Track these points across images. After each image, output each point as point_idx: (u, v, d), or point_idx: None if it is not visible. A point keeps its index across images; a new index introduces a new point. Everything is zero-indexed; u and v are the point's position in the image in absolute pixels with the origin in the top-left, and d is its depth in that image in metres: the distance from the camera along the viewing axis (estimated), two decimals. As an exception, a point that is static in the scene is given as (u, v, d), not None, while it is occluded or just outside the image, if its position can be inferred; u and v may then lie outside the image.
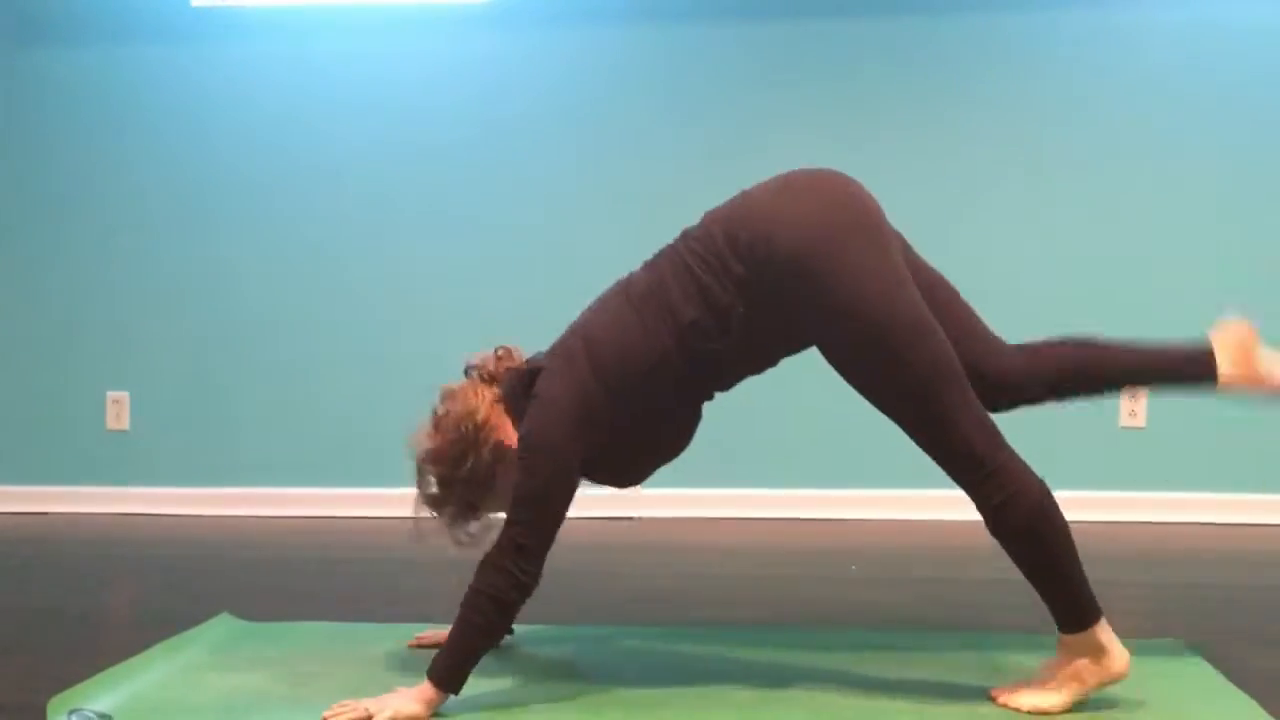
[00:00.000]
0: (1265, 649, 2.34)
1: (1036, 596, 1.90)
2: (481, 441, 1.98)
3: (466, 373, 2.07)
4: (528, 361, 2.02)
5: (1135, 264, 3.91)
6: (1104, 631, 1.86)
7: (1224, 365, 2.07)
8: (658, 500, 3.92)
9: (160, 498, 4.09)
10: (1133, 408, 3.91)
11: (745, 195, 1.99)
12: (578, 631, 2.39)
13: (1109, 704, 1.89)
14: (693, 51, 4.02)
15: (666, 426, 2.02)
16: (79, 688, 1.95)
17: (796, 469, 3.93)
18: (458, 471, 1.98)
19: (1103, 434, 3.90)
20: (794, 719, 1.86)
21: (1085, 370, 2.13)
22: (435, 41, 4.07)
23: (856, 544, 3.48)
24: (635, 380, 1.91)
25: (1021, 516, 1.86)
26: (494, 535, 1.94)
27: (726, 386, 2.03)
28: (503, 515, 1.98)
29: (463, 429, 1.98)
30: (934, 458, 1.90)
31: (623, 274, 2.03)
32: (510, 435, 1.98)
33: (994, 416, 1.94)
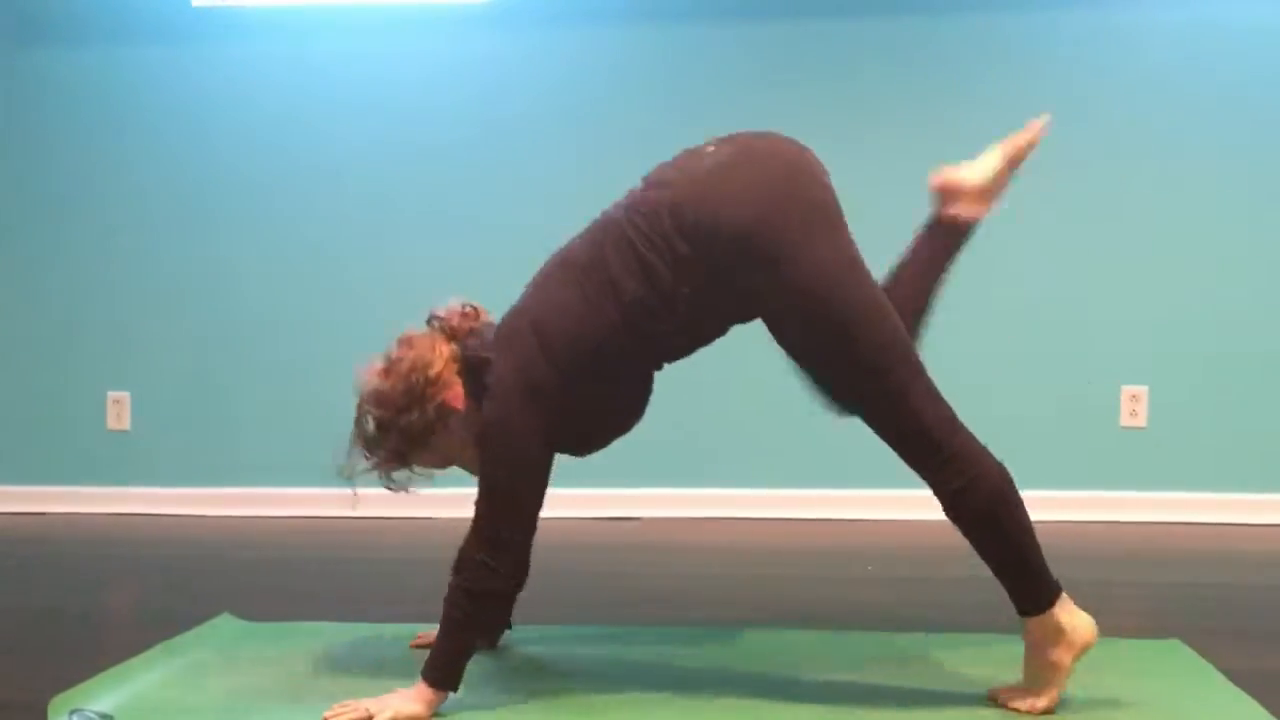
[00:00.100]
0: (1266, 649, 2.34)
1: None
2: (429, 397, 1.96)
3: (429, 321, 2.04)
4: (479, 348, 1.97)
5: (1135, 264, 3.91)
6: (1064, 610, 1.85)
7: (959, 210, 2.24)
8: (659, 500, 3.92)
9: (161, 498, 4.08)
10: (1134, 408, 3.91)
11: (693, 165, 1.93)
12: (579, 631, 2.39)
13: (1109, 704, 1.89)
14: (693, 51, 4.02)
15: (619, 400, 2.00)
16: (80, 688, 1.95)
17: (797, 469, 3.93)
18: (398, 419, 1.97)
19: (1103, 434, 3.90)
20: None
21: (921, 287, 2.21)
22: (435, 41, 4.07)
23: (857, 544, 3.48)
24: (584, 359, 1.88)
25: (981, 500, 1.85)
26: (424, 484, 1.95)
27: (676, 358, 2.00)
28: (434, 470, 1.98)
29: (413, 379, 1.96)
30: (888, 441, 1.88)
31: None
32: (458, 397, 1.96)
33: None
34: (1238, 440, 3.87)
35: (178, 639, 2.28)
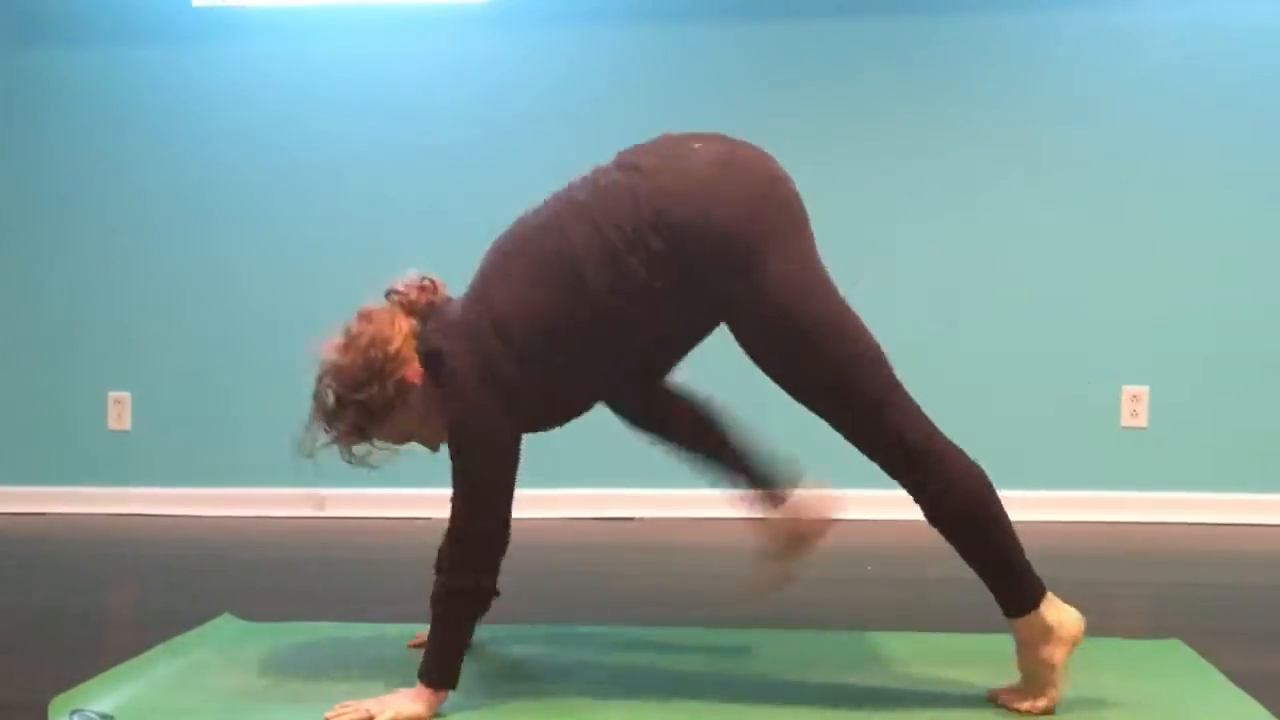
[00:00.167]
0: (1266, 649, 2.34)
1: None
2: (388, 373, 1.95)
3: (387, 295, 2.03)
4: (437, 335, 1.96)
5: (1135, 264, 3.91)
6: (1050, 608, 1.85)
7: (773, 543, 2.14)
8: (658, 500, 3.92)
9: (161, 498, 4.09)
10: (1134, 408, 3.91)
11: (680, 160, 1.90)
12: (578, 631, 2.39)
13: (1110, 704, 1.89)
14: (693, 51, 4.02)
15: (583, 384, 1.98)
16: (81, 688, 1.95)
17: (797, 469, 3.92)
18: (356, 394, 1.96)
19: (1104, 434, 3.90)
20: None
21: (695, 434, 2.14)
22: (435, 42, 4.07)
23: (857, 544, 3.48)
24: (544, 348, 1.88)
25: (960, 503, 1.85)
26: (381, 458, 1.96)
27: (639, 354, 1.98)
28: (392, 446, 1.98)
29: (372, 354, 1.95)
30: (863, 451, 1.88)
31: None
32: (416, 374, 1.95)
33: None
34: (1238, 440, 3.87)
35: (178, 639, 2.28)
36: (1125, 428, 3.91)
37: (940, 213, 3.94)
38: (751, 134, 4.34)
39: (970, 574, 1.90)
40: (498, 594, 2.18)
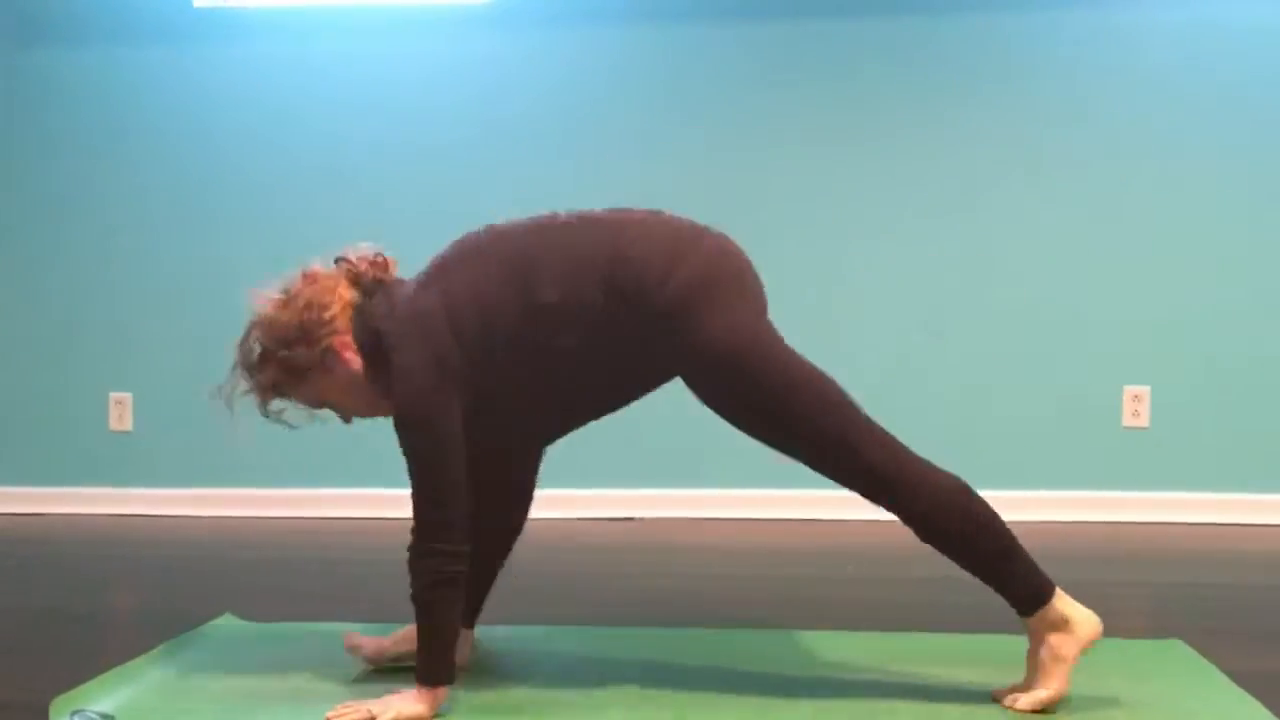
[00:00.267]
0: (1267, 649, 2.34)
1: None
2: (318, 338, 1.95)
3: (337, 261, 2.04)
4: (382, 314, 1.96)
5: (1136, 264, 3.91)
6: (1062, 602, 1.85)
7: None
8: (658, 501, 3.93)
9: (163, 499, 4.09)
10: (1136, 408, 3.91)
11: (660, 226, 1.97)
12: (578, 632, 2.39)
13: (1110, 704, 1.89)
14: (693, 52, 4.02)
15: (519, 397, 1.97)
16: (82, 688, 1.95)
17: (797, 470, 3.92)
18: (281, 351, 1.97)
19: (1106, 434, 3.90)
20: None
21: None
22: (436, 42, 4.07)
23: (858, 544, 3.48)
24: (490, 346, 1.89)
25: (947, 520, 1.86)
26: (298, 418, 2.00)
27: (573, 389, 1.98)
28: (311, 409, 2.00)
29: (306, 317, 1.96)
30: (841, 484, 1.90)
31: None
32: (346, 345, 1.96)
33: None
34: (1240, 440, 3.87)
35: (179, 639, 2.28)
36: (1126, 428, 3.91)
37: (941, 213, 3.94)
38: (751, 134, 4.38)
39: (966, 574, 1.90)
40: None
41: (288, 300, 1.99)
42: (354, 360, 1.97)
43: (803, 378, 1.88)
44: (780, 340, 1.91)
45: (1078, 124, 3.92)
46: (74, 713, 1.84)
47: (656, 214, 2.01)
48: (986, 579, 1.88)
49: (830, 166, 3.99)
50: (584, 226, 1.96)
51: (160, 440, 4.12)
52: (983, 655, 2.17)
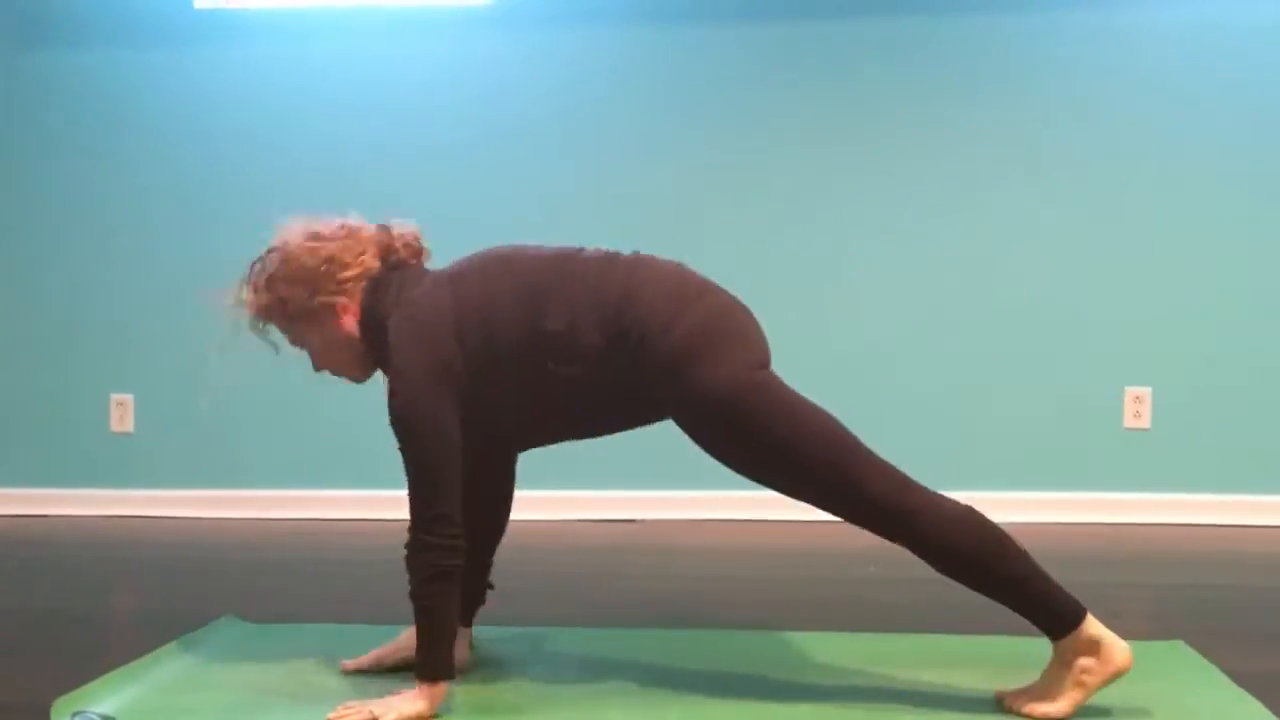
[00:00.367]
0: (1269, 650, 2.34)
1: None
2: (325, 292, 1.99)
3: (379, 226, 2.07)
4: (391, 300, 1.97)
5: (1137, 264, 3.91)
6: (1094, 626, 1.83)
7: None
8: (662, 502, 3.92)
9: (164, 500, 4.09)
10: (1137, 409, 3.91)
11: (679, 279, 1.96)
12: (579, 633, 2.39)
13: (1113, 704, 1.89)
14: (693, 52, 4.02)
15: (513, 411, 1.98)
16: (83, 690, 1.95)
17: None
18: (285, 285, 2.01)
19: (1107, 435, 3.90)
20: (797, 720, 1.86)
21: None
22: (436, 43, 4.07)
23: (861, 545, 3.47)
24: (490, 358, 1.90)
25: (959, 546, 1.84)
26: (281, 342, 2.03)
27: (570, 417, 1.99)
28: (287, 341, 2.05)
29: (324, 269, 2.00)
30: (850, 522, 1.90)
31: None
32: (346, 309, 1.99)
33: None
34: (1241, 442, 3.87)
35: (181, 640, 2.28)
36: (1128, 429, 3.91)
37: (941, 213, 3.94)
38: (751, 134, 4.38)
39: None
40: (491, 587, 2.19)
41: (316, 245, 2.03)
42: (349, 326, 2.01)
43: (803, 417, 1.87)
44: (780, 383, 1.90)
45: (1078, 124, 3.92)
46: (75, 714, 1.84)
47: (677, 265, 2.00)
48: (1011, 604, 1.85)
49: (830, 167, 3.99)
50: (602, 266, 1.96)
51: (161, 442, 4.12)
52: (984, 656, 2.17)
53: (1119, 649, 1.83)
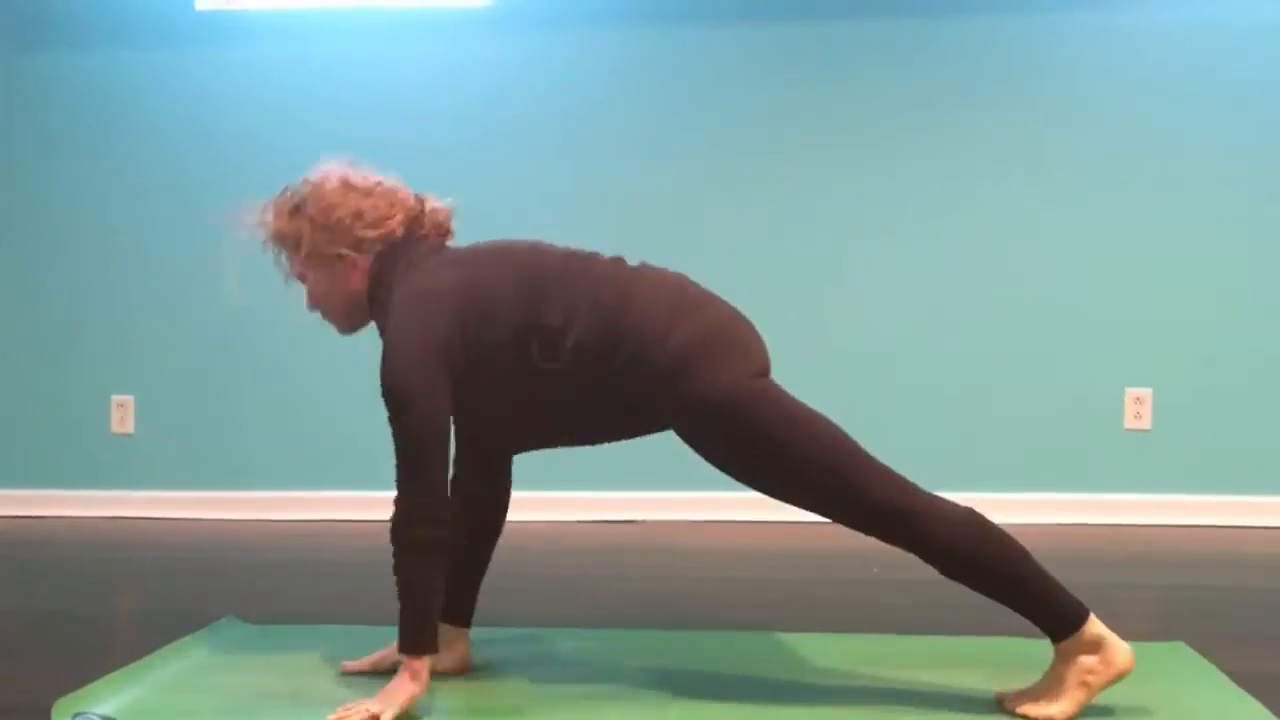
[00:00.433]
0: (1270, 651, 2.34)
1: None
2: (340, 243, 2.01)
3: (418, 196, 2.11)
4: (403, 269, 1.98)
5: (1137, 265, 3.91)
6: (1097, 627, 1.83)
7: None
8: (662, 503, 3.92)
9: (165, 501, 4.09)
10: (1138, 410, 3.91)
11: (666, 285, 1.96)
12: (579, 634, 2.39)
13: (1112, 706, 1.89)
14: (693, 54, 4.02)
15: (498, 405, 1.97)
16: (84, 691, 1.95)
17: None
18: (307, 224, 2.03)
19: (1108, 436, 3.90)
20: (798, 721, 1.86)
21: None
22: (436, 44, 4.07)
23: (861, 547, 3.47)
24: (484, 342, 1.90)
25: (963, 548, 1.83)
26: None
27: (555, 415, 1.98)
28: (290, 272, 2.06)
29: (350, 222, 2.01)
30: (854, 528, 1.90)
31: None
32: (357, 268, 2.01)
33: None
34: (1242, 443, 3.87)
35: (181, 641, 2.28)
36: (1128, 430, 3.91)
37: (941, 213, 3.94)
38: (751, 136, 4.38)
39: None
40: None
41: (348, 195, 2.05)
42: (356, 282, 2.02)
43: (802, 423, 1.86)
44: (780, 390, 1.90)
45: (1078, 124, 3.92)
46: (76, 715, 1.84)
47: (681, 277, 2.00)
48: (1013, 605, 1.85)
49: (830, 167, 3.99)
50: (607, 271, 1.96)
51: (162, 443, 4.12)
52: (984, 658, 2.17)
53: (1121, 650, 1.83)
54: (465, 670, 2.07)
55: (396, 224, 2.04)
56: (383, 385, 1.88)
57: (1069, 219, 3.93)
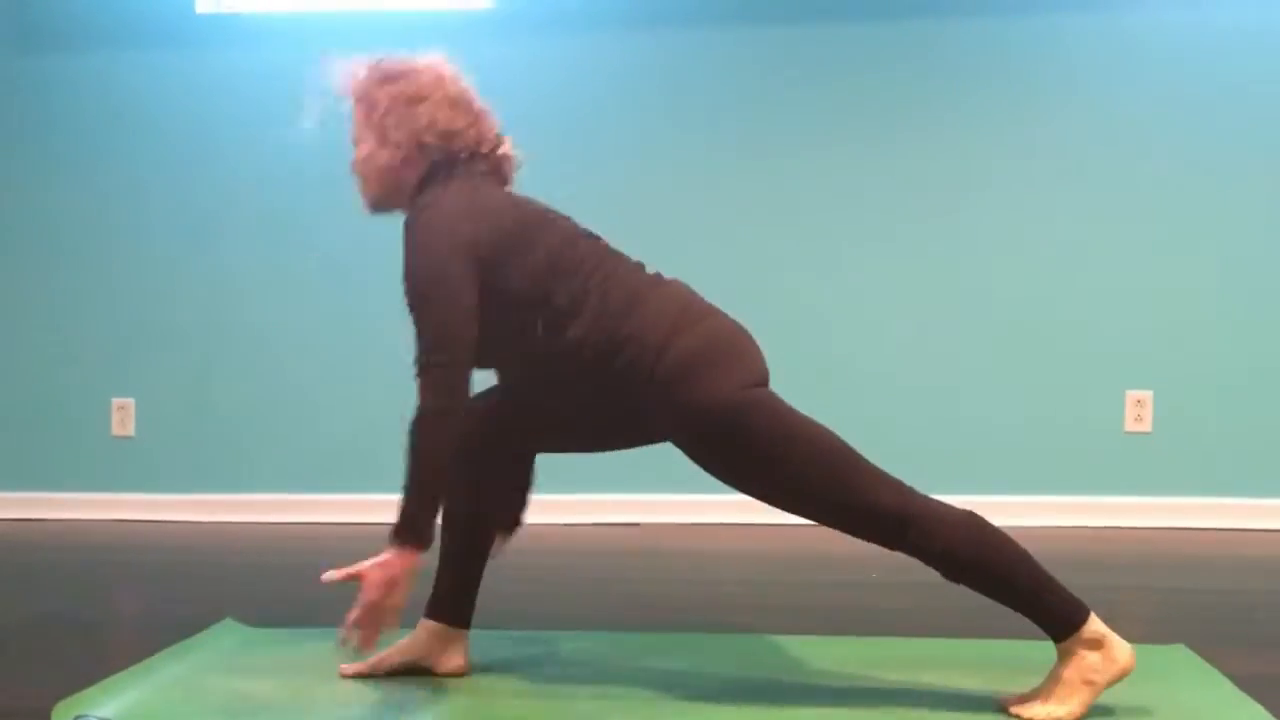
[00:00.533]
0: (1271, 653, 2.33)
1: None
2: (400, 129, 2.05)
3: (499, 135, 2.14)
4: (446, 177, 2.02)
5: (1139, 267, 3.91)
6: (1097, 625, 1.84)
7: None
8: (661, 506, 3.92)
9: (165, 504, 4.09)
10: (1139, 413, 3.91)
11: (670, 295, 1.97)
12: (580, 636, 2.39)
13: (1114, 708, 1.89)
14: (694, 57, 4.03)
15: (498, 352, 1.98)
16: (84, 694, 1.95)
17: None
18: (384, 96, 2.08)
19: (1108, 439, 3.90)
20: (798, 724, 1.86)
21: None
22: (436, 47, 4.06)
23: (862, 550, 3.47)
24: (495, 285, 1.91)
25: (966, 554, 1.84)
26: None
27: (552, 408, 2.00)
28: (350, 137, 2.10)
29: (418, 122, 2.05)
30: (852, 535, 1.90)
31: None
32: (410, 167, 2.06)
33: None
34: (1243, 445, 3.87)
35: (181, 645, 2.28)
36: (1129, 432, 3.91)
37: (941, 215, 3.94)
38: (751, 138, 4.38)
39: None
40: (520, 524, 2.17)
41: (434, 95, 2.08)
42: (405, 173, 2.06)
43: (800, 432, 1.87)
44: (778, 400, 1.90)
45: (1078, 125, 3.92)
46: (76, 717, 1.84)
47: (688, 290, 2.01)
48: (1014, 606, 1.86)
49: (830, 168, 3.99)
50: (625, 276, 1.97)
51: (162, 445, 4.12)
52: (984, 660, 2.17)
53: (1123, 648, 1.84)
54: (464, 672, 2.07)
55: (462, 145, 2.06)
56: (406, 278, 1.88)
57: (1070, 221, 3.93)
